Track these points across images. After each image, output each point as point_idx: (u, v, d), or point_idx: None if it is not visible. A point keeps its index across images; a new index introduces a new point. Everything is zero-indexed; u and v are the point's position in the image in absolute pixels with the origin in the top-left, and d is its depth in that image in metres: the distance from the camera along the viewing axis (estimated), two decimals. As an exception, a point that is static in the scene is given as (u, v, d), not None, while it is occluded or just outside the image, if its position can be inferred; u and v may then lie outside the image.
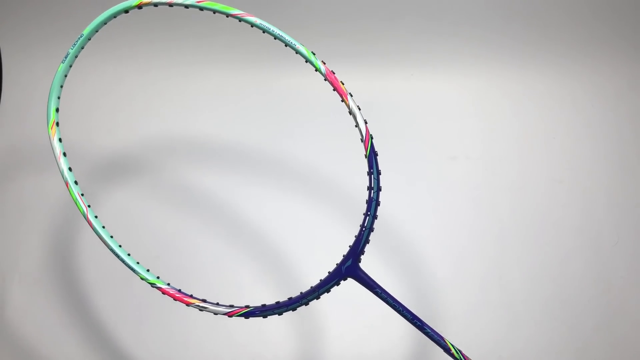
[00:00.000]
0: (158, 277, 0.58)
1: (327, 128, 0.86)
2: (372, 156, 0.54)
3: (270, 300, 0.58)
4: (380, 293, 0.55)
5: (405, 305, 0.55)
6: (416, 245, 0.83)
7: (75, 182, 0.58)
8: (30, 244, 0.84)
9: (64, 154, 0.57)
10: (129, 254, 0.58)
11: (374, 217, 0.55)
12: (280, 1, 0.88)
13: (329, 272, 0.56)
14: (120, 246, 0.58)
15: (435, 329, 0.55)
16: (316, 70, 0.54)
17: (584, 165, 0.85)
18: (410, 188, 0.86)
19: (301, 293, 0.57)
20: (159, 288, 0.57)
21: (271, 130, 0.89)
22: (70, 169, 0.57)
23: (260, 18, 0.53)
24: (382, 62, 0.90)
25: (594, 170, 0.84)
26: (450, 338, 0.82)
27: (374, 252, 0.79)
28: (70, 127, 0.81)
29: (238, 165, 0.87)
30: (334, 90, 0.55)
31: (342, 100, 0.55)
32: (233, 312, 0.57)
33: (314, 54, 0.53)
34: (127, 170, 0.86)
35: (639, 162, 0.85)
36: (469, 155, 0.86)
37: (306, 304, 0.56)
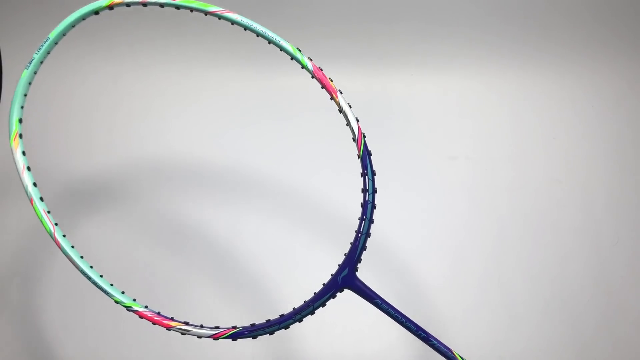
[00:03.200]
0: (134, 300, 0.52)
1: (318, 128, 0.85)
2: (365, 156, 0.51)
3: (259, 320, 0.52)
4: (381, 304, 0.51)
5: (408, 316, 0.51)
6: (416, 246, 0.81)
7: (41, 199, 0.52)
8: (29, 244, 0.83)
9: (28, 169, 0.52)
10: (101, 276, 0.52)
11: (370, 220, 0.51)
12: (280, 1, 0.88)
13: (323, 284, 0.52)
14: (92, 267, 0.52)
15: (440, 340, 0.50)
16: (302, 67, 0.51)
17: (584, 165, 0.85)
18: (410, 188, 0.85)
19: (294, 309, 0.52)
20: (135, 311, 0.52)
21: (259, 134, 0.88)
22: (35, 184, 0.52)
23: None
24: (382, 62, 0.90)
25: (593, 171, 0.84)
26: (450, 339, 0.78)
27: (372, 252, 0.76)
28: (70, 127, 0.83)
29: (219, 177, 0.86)
30: (322, 88, 0.52)
31: (332, 98, 0.52)
32: (219, 334, 0.51)
33: (299, 51, 0.50)
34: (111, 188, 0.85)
35: (638, 162, 0.85)
36: (469, 155, 0.85)
37: (300, 320, 0.51)
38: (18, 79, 0.82)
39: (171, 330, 0.52)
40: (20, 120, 0.52)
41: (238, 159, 0.88)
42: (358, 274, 0.51)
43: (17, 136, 0.52)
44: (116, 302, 0.52)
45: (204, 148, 0.87)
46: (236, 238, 0.83)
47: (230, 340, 0.52)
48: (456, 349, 0.80)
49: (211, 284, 0.81)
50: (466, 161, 0.85)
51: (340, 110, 0.52)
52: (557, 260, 0.81)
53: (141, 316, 0.52)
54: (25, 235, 0.85)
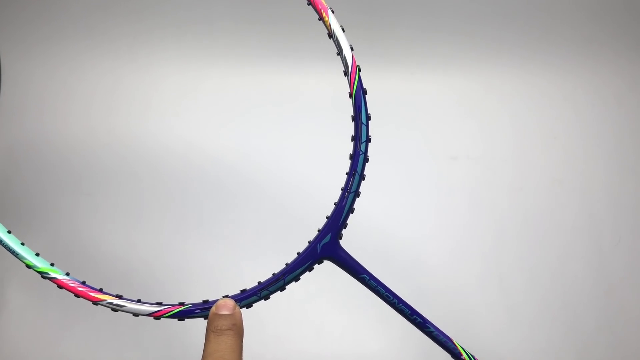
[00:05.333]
0: (52, 265, 0.40)
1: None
2: (359, 94, 0.40)
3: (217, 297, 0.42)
4: (369, 280, 0.41)
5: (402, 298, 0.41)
6: (416, 245, 0.80)
7: None
8: (29, 244, 0.73)
9: None
10: (9, 232, 0.40)
11: (361, 176, 0.40)
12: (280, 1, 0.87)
13: (298, 253, 0.41)
14: (-3, 221, 0.40)
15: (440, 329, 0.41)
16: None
17: (585, 165, 0.85)
18: (410, 188, 0.84)
19: (259, 283, 0.41)
20: (53, 279, 0.40)
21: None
22: None
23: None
24: (382, 62, 0.89)
25: (594, 171, 0.84)
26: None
27: (372, 254, 0.77)
28: (68, 124, 0.84)
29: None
30: (308, 4, 0.41)
31: (320, 19, 0.40)
32: (162, 311, 0.40)
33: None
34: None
35: (639, 162, 0.85)
36: (469, 155, 0.86)
37: (266, 297, 0.41)
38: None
39: (99, 305, 0.40)
40: None
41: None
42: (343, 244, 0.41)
43: None
44: (28, 266, 0.40)
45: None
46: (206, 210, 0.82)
47: (177, 320, 0.41)
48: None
49: (178, 260, 0.79)
50: (466, 161, 0.85)
51: (331, 35, 0.41)
52: (558, 260, 0.79)
53: (60, 285, 0.40)
54: (25, 234, 0.79)
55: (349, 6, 0.86)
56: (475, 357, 0.41)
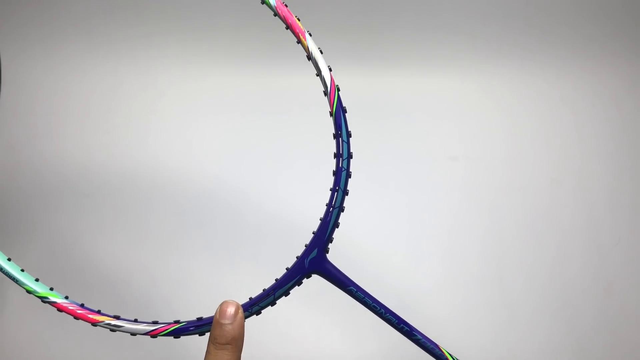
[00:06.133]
0: (52, 289, 0.42)
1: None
2: (339, 113, 0.42)
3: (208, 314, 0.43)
4: (356, 292, 0.42)
5: (390, 308, 0.42)
6: (415, 245, 0.81)
7: None
8: (29, 244, 0.81)
9: None
10: (9, 259, 0.42)
11: (345, 192, 0.42)
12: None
13: (287, 269, 0.43)
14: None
15: (427, 336, 0.42)
16: (263, 2, 0.41)
17: (585, 165, 0.85)
18: (409, 188, 0.84)
19: (250, 299, 0.43)
20: (52, 303, 0.42)
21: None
22: None
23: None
24: (382, 62, 0.90)
25: (594, 171, 0.84)
26: (449, 340, 0.74)
27: (370, 252, 0.79)
28: (69, 124, 0.84)
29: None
30: (287, 28, 0.42)
31: (299, 42, 0.42)
32: (158, 330, 0.42)
33: (259, -19, 0.40)
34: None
35: (639, 162, 0.85)
36: (469, 155, 0.85)
37: (257, 312, 0.42)
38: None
39: (97, 326, 0.42)
40: None
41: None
42: (330, 258, 0.42)
43: None
44: (28, 291, 0.42)
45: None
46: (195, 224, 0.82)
47: (172, 337, 0.42)
48: (456, 349, 0.75)
49: (163, 275, 0.79)
50: (466, 161, 0.85)
51: (309, 57, 0.42)
52: (558, 260, 0.79)
53: (60, 309, 0.42)
54: (25, 234, 0.82)
55: (350, 7, 0.88)
56: (462, 361, 0.43)
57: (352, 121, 0.68)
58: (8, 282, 0.76)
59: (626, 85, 0.88)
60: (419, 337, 0.42)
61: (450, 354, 0.42)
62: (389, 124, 0.86)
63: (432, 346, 0.42)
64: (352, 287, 0.43)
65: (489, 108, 0.88)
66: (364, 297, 0.42)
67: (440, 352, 0.42)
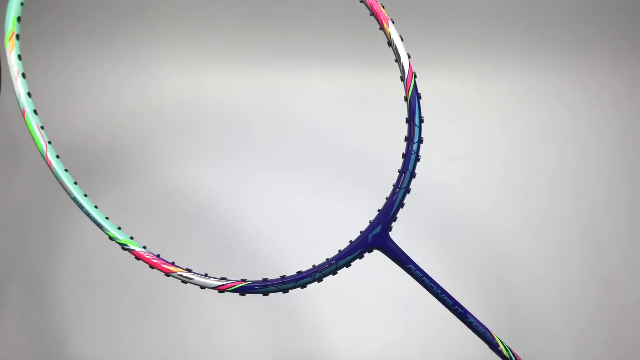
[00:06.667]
0: (132, 238, 0.45)
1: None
2: (414, 98, 0.44)
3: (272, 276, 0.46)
4: (415, 270, 0.44)
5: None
6: (415, 245, 0.79)
7: (35, 112, 0.45)
8: (29, 244, 0.83)
9: (23, 75, 0.45)
10: (96, 206, 0.45)
11: (412, 174, 0.44)
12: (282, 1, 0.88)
13: (350, 242, 0.45)
14: (85, 195, 0.45)
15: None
16: (352, -12, 0.44)
17: (585, 165, 0.84)
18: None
19: (314, 266, 0.45)
20: (131, 251, 0.45)
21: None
22: (29, 95, 0.45)
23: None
24: (382, 62, 0.85)
25: (594, 171, 0.84)
26: (449, 339, 0.74)
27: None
28: (69, 124, 0.83)
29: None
30: (371, 14, 0.44)
31: (381, 28, 0.44)
32: (225, 285, 0.45)
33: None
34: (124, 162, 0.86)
35: (637, 163, 0.84)
36: (469, 155, 0.85)
37: (319, 279, 0.45)
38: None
39: (170, 277, 0.45)
40: (19, 19, 0.45)
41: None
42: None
43: (14, 36, 0.45)
44: (110, 237, 0.45)
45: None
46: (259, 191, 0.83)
47: (238, 294, 0.45)
48: (456, 349, 0.76)
49: (230, 238, 0.81)
50: (466, 161, 0.85)
51: (390, 44, 0.44)
52: (557, 260, 0.80)
53: (138, 257, 0.45)
54: (24, 234, 0.84)
55: (350, 7, 0.86)
56: (512, 349, 0.44)
57: (353, 121, 0.70)
58: (8, 282, 0.80)
59: (625, 86, 0.87)
60: (472, 320, 0.44)
61: (500, 340, 0.44)
62: (389, 123, 0.84)
63: (483, 330, 0.44)
64: (411, 265, 0.44)
65: (489, 108, 0.87)
66: (422, 276, 0.44)
67: (491, 336, 0.44)
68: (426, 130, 0.84)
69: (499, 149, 0.85)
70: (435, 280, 0.45)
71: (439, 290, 0.44)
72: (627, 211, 0.82)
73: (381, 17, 0.44)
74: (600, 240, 0.80)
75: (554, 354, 0.76)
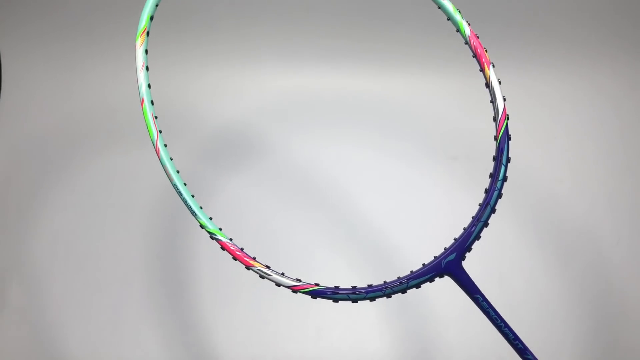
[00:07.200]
0: (220, 229, 0.49)
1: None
2: (504, 140, 0.46)
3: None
4: (482, 301, 0.46)
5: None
6: (415, 246, 0.80)
7: (152, 102, 0.50)
8: (30, 244, 0.84)
9: (147, 68, 0.50)
10: (193, 196, 0.49)
11: (493, 210, 0.46)
12: (282, 0, 0.88)
13: (423, 264, 0.47)
14: (185, 184, 0.49)
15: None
16: (457, 30, 0.47)
17: (585, 165, 0.84)
18: (410, 188, 0.85)
19: (385, 282, 0.48)
20: (218, 240, 0.48)
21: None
22: (149, 86, 0.50)
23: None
24: (382, 61, 0.90)
25: (594, 171, 0.83)
26: (450, 339, 0.75)
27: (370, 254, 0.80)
28: (69, 124, 0.84)
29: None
30: (473, 56, 0.48)
31: (481, 70, 0.47)
32: (300, 287, 0.48)
33: (459, 12, 0.46)
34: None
35: (638, 162, 0.84)
36: (469, 155, 0.84)
37: (388, 295, 0.47)
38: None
39: (250, 270, 0.48)
40: (152, 18, 0.50)
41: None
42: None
43: (145, 33, 0.50)
44: (201, 225, 0.49)
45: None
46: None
47: (310, 297, 0.48)
48: (456, 348, 0.76)
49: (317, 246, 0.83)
50: (467, 161, 0.84)
51: (488, 85, 0.47)
52: (557, 259, 0.79)
53: (223, 247, 0.49)
54: (24, 234, 0.85)
55: (350, 6, 0.88)
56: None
57: (353, 121, 0.69)
58: (8, 282, 0.81)
59: (626, 86, 0.87)
60: (531, 357, 0.45)
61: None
62: (388, 123, 0.86)
63: (539, 368, 0.45)
64: (479, 296, 0.46)
65: (489, 108, 0.87)
66: (488, 308, 0.46)
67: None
68: (426, 129, 0.84)
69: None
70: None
71: (502, 324, 0.46)
72: (627, 211, 0.82)
73: (483, 60, 0.47)
74: (600, 240, 0.80)
75: (554, 354, 0.75)
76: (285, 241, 0.82)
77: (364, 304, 0.77)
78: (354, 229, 0.83)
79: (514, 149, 0.82)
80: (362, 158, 0.86)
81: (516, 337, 0.46)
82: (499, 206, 0.47)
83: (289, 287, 0.48)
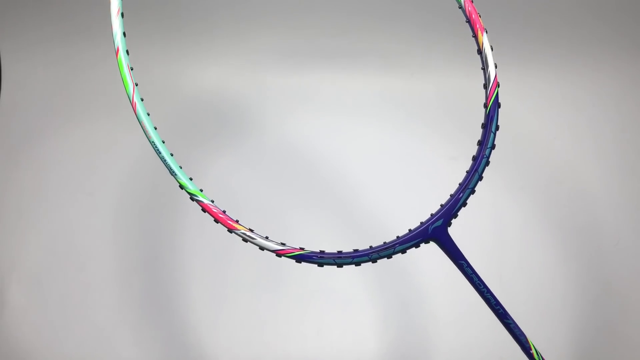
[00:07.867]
0: (201, 190, 0.47)
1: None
2: (494, 108, 0.46)
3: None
4: (466, 267, 0.47)
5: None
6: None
7: (127, 52, 0.46)
8: (29, 244, 0.84)
9: (122, 15, 0.46)
10: (172, 154, 0.47)
11: (480, 177, 0.46)
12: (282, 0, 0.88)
13: (409, 230, 0.47)
14: (163, 142, 0.46)
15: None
16: (454, -7, 0.46)
17: (585, 165, 0.84)
18: (410, 188, 0.85)
19: (371, 247, 0.47)
20: (199, 202, 0.46)
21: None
22: (124, 34, 0.46)
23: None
24: (382, 62, 0.89)
25: (594, 171, 0.84)
26: (450, 339, 0.77)
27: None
28: (69, 124, 0.84)
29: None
30: (467, 21, 0.47)
31: (473, 36, 0.47)
32: (284, 250, 0.46)
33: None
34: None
35: (638, 162, 0.84)
36: (469, 155, 0.83)
37: (374, 260, 0.47)
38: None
39: (232, 233, 0.47)
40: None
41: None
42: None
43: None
44: (181, 186, 0.46)
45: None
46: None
47: (294, 261, 0.47)
48: (456, 348, 0.78)
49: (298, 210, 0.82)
50: (467, 161, 0.85)
51: (480, 52, 0.47)
52: (558, 260, 0.80)
53: (204, 209, 0.46)
54: (24, 234, 0.84)
55: (350, 6, 0.88)
56: (544, 357, 0.47)
57: (353, 121, 0.70)
58: (8, 282, 0.80)
59: (626, 85, 0.88)
60: (511, 322, 0.47)
61: (534, 346, 0.47)
62: (388, 123, 0.86)
63: (519, 333, 0.46)
64: (463, 262, 0.47)
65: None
66: (471, 274, 0.47)
67: (525, 340, 0.46)
68: (426, 129, 0.84)
69: (499, 148, 0.85)
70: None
71: (484, 289, 0.47)
72: (627, 211, 0.82)
73: (477, 26, 0.46)
74: (600, 240, 0.80)
75: (554, 354, 0.76)
76: (270, 208, 0.82)
77: (364, 304, 0.77)
78: (341, 197, 0.83)
79: (514, 148, 0.84)
80: (350, 129, 0.86)
81: (497, 303, 0.46)
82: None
83: (273, 251, 0.47)
